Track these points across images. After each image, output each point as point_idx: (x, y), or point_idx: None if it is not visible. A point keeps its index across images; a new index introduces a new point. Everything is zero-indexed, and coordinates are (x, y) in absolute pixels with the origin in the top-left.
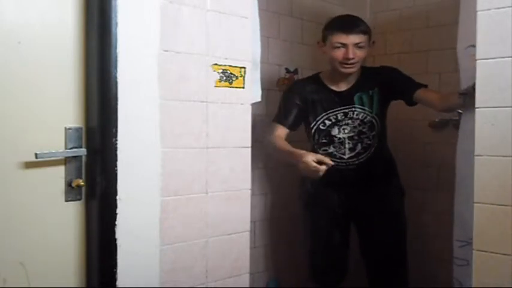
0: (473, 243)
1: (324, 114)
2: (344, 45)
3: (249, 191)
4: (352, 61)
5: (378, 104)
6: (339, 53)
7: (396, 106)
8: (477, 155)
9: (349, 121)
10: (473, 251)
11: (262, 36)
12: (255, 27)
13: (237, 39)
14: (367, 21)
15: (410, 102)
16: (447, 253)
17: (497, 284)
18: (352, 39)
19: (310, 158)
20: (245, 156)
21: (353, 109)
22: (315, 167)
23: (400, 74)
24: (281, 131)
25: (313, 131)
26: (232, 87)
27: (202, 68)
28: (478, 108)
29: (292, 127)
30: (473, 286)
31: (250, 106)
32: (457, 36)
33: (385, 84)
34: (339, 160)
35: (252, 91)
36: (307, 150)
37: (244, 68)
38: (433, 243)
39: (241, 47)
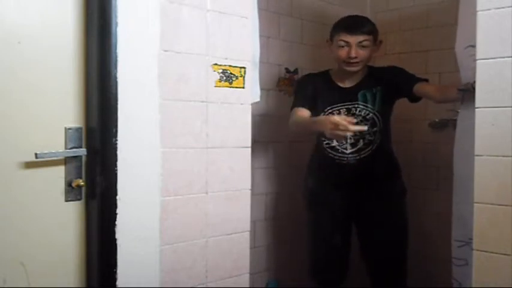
0: (473, 243)
1: (328, 108)
2: (348, 44)
3: (249, 191)
4: (355, 60)
5: (381, 102)
6: (343, 52)
7: (397, 106)
8: (477, 155)
9: (352, 117)
10: (473, 251)
11: (262, 36)
12: (255, 27)
13: (237, 39)
14: None
15: (412, 98)
16: (447, 253)
17: (497, 284)
18: (355, 38)
19: (338, 118)
20: (245, 156)
21: (356, 105)
22: (344, 126)
23: (403, 72)
24: (301, 112)
25: None
26: (232, 87)
27: (202, 68)
28: (478, 108)
29: (310, 105)
30: (473, 286)
31: (250, 106)
32: (456, 36)
33: (389, 83)
34: (340, 154)
35: (251, 91)
36: (312, 146)
37: (244, 68)
38: (433, 243)
39: (241, 47)
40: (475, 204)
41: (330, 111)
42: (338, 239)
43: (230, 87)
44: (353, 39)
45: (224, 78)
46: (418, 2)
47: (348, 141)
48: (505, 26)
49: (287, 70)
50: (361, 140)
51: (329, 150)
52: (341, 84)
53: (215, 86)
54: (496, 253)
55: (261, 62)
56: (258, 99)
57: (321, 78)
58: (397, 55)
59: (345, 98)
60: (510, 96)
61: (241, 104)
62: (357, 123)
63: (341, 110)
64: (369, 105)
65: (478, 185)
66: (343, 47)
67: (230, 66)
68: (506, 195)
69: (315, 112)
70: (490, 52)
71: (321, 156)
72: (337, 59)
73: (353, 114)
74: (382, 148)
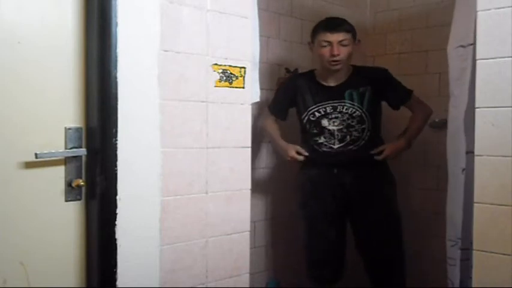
0: (473, 243)
1: (314, 106)
2: (329, 43)
3: (249, 191)
4: (337, 58)
5: (369, 101)
6: (325, 51)
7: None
8: (477, 155)
9: (339, 114)
10: (473, 251)
11: (262, 36)
12: (255, 27)
13: (237, 39)
14: (367, 21)
15: (396, 108)
16: (445, 253)
17: (497, 284)
18: (336, 37)
19: (293, 153)
20: (245, 156)
21: (342, 104)
22: (293, 157)
23: (391, 79)
24: (271, 117)
25: (304, 121)
26: (232, 87)
27: (202, 68)
28: (478, 108)
29: (279, 116)
30: (473, 286)
31: (250, 106)
32: (449, 36)
33: (376, 85)
34: (329, 150)
35: (251, 91)
36: (297, 142)
37: (244, 68)
38: (433, 244)
39: (241, 47)
40: (475, 204)
41: (315, 109)
42: (331, 235)
43: (230, 87)
44: (334, 38)
45: (224, 78)
46: (418, 2)
47: (336, 137)
48: (505, 26)
49: (287, 70)
50: (348, 136)
51: (318, 146)
52: (326, 83)
53: (215, 86)
54: (496, 253)
55: (261, 62)
56: (257, 99)
57: (306, 77)
58: (397, 55)
59: (330, 96)
60: (510, 96)
61: (241, 104)
62: (343, 120)
63: (327, 108)
64: (355, 104)
65: (478, 185)
66: (325, 46)
67: (230, 66)
68: (506, 195)
69: (300, 111)
70: (490, 52)
71: (310, 153)
72: (320, 59)
73: (339, 112)
74: (371, 144)
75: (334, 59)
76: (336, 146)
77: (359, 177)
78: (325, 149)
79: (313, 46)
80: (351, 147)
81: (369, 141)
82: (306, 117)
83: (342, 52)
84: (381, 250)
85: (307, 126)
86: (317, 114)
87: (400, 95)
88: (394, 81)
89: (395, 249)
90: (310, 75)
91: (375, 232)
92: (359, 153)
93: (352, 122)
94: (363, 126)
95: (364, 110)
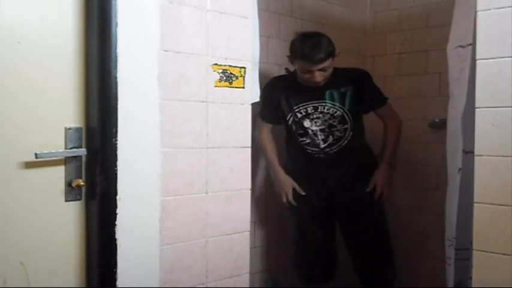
0: (473, 243)
1: (295, 107)
2: (310, 71)
3: (249, 191)
4: (319, 80)
5: (350, 101)
6: (307, 76)
7: (396, 106)
8: (477, 155)
9: (320, 115)
10: (473, 251)
11: (262, 36)
12: (255, 27)
13: (237, 39)
14: (367, 21)
15: (365, 112)
16: (444, 253)
17: (497, 284)
18: (317, 66)
19: (290, 190)
20: (245, 156)
21: (323, 104)
22: (288, 199)
23: (369, 82)
24: (266, 127)
25: (290, 122)
26: (232, 87)
27: (202, 68)
28: (478, 108)
29: (273, 122)
30: (473, 286)
31: (250, 106)
32: (449, 36)
33: (357, 87)
34: (317, 149)
35: (251, 91)
36: (283, 143)
37: (244, 68)
38: (433, 243)
39: (241, 47)
40: (475, 204)
41: (297, 109)
42: (320, 235)
43: (230, 87)
44: (315, 68)
45: (224, 78)
46: (418, 2)
47: (319, 137)
48: (505, 26)
49: (287, 70)
50: (331, 136)
51: (306, 146)
52: (307, 84)
53: (215, 86)
54: (496, 253)
55: (261, 62)
56: (257, 99)
57: (287, 80)
58: (397, 55)
59: (311, 97)
60: (510, 96)
61: (241, 104)
62: (325, 120)
63: (308, 108)
64: (336, 104)
65: (478, 185)
66: (305, 72)
67: (230, 66)
68: (506, 195)
69: (285, 112)
70: (490, 52)
71: (298, 154)
72: (301, 75)
73: (321, 112)
74: (354, 144)
75: (316, 81)
76: (321, 146)
77: (344, 177)
78: (312, 149)
79: (292, 60)
80: (334, 147)
81: (352, 141)
82: (291, 118)
83: (323, 75)
84: (369, 250)
85: (294, 127)
86: (299, 115)
87: (374, 99)
88: (371, 84)
89: (384, 249)
90: (291, 76)
91: (361, 232)
92: (343, 153)
93: (334, 122)
94: (345, 126)
95: (345, 109)
